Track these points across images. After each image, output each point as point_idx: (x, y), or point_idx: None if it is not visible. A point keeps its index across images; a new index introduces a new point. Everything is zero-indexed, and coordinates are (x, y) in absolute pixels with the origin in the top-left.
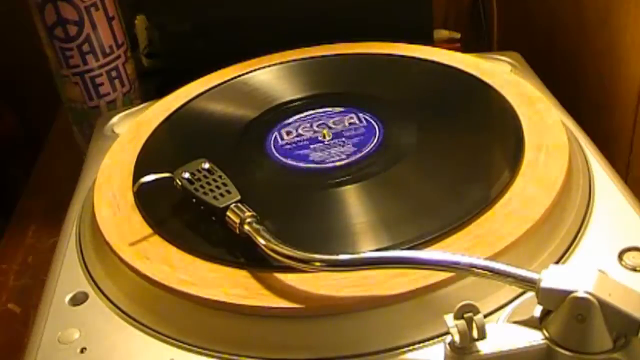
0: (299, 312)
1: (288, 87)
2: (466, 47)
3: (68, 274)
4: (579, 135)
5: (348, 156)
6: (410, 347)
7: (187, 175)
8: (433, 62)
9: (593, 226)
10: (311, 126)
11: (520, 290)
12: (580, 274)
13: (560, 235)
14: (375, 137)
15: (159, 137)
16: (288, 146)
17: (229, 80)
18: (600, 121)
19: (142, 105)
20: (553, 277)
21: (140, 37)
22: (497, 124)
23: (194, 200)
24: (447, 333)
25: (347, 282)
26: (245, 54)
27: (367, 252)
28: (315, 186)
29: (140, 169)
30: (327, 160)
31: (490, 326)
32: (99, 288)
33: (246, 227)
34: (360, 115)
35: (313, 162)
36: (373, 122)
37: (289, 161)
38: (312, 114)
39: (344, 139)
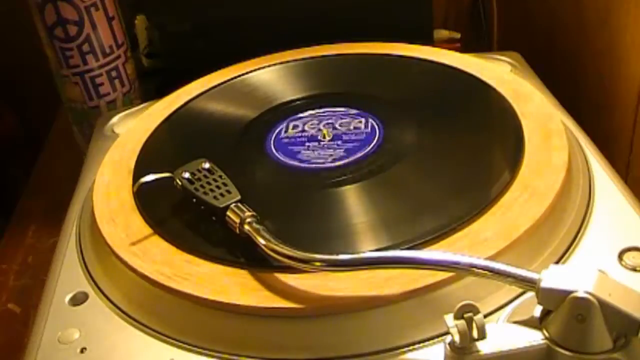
0: (299, 312)
1: (288, 87)
2: (466, 47)
3: (68, 274)
4: (579, 135)
5: (348, 156)
6: (410, 347)
7: (187, 175)
8: (433, 62)
9: (593, 226)
10: (311, 126)
11: (520, 290)
12: (580, 274)
13: (560, 235)
14: (375, 137)
15: (159, 137)
16: (288, 146)
17: (229, 80)
18: (600, 121)
19: (142, 105)
20: (553, 277)
21: (140, 37)
22: (497, 124)
23: (194, 200)
24: (447, 333)
25: (347, 282)
26: (245, 54)
27: (367, 252)
28: (315, 186)
29: (140, 169)
30: (327, 160)
31: (490, 326)
32: (99, 288)
33: (246, 227)
34: (360, 115)
35: (313, 162)
36: (373, 122)
37: (289, 161)
38: (312, 114)
39: (343, 139)
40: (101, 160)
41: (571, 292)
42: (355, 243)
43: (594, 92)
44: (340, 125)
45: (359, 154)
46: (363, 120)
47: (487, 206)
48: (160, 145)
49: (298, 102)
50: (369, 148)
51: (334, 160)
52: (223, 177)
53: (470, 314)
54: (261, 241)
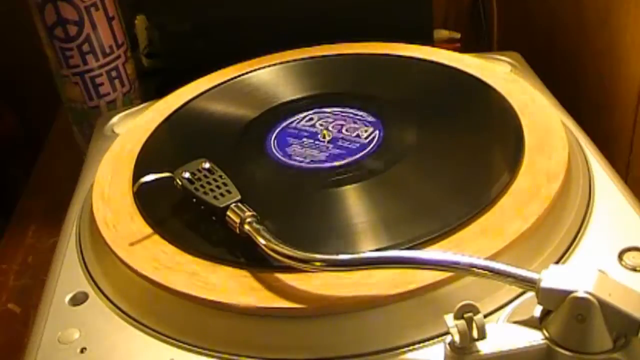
0: (299, 312)
1: (288, 87)
2: (466, 47)
3: (68, 274)
4: (579, 135)
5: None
6: (410, 347)
7: (187, 175)
8: (433, 62)
9: (593, 226)
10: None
11: (520, 290)
12: (580, 274)
13: (560, 235)
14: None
15: (159, 137)
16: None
17: (229, 80)
18: (600, 121)
19: (142, 105)
20: (553, 277)
21: (140, 37)
22: (497, 124)
23: (194, 200)
24: (447, 333)
25: (347, 282)
26: (245, 54)
27: (367, 252)
28: (315, 186)
29: (140, 169)
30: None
31: (490, 326)
32: (99, 288)
33: (246, 226)
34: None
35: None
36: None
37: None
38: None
39: (343, 139)
40: (101, 160)
41: (571, 292)
42: (355, 243)
43: (594, 92)
44: (340, 125)
45: (359, 154)
46: (363, 120)
47: (487, 206)
48: (160, 145)
49: (298, 102)
50: (368, 148)
51: (334, 160)
52: (223, 177)
53: (470, 314)
54: (261, 241)
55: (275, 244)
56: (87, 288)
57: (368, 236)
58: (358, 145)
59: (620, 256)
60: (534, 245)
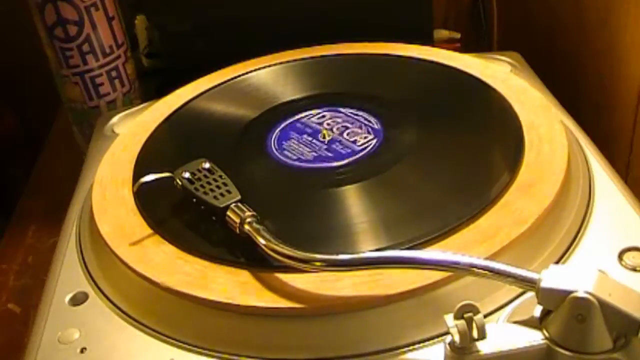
0: (299, 312)
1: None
2: (466, 47)
3: (68, 274)
4: (579, 135)
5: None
6: (410, 347)
7: (187, 175)
8: (433, 62)
9: (593, 226)
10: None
11: (520, 290)
12: (580, 274)
13: (560, 235)
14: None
15: (159, 137)
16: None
17: (229, 80)
18: (600, 121)
19: (142, 105)
20: (553, 277)
21: (140, 37)
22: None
23: (194, 200)
24: (447, 333)
25: (347, 282)
26: (245, 54)
27: (367, 252)
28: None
29: (140, 169)
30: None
31: (490, 326)
32: (99, 288)
33: (246, 226)
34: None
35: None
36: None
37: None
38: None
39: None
40: (101, 160)
41: (571, 292)
42: (355, 243)
43: (594, 92)
44: (340, 125)
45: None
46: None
47: (487, 206)
48: (160, 145)
49: (298, 102)
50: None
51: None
52: (223, 177)
53: (470, 314)
54: (261, 241)
55: (275, 244)
56: (87, 288)
57: (368, 236)
58: (358, 145)
59: (620, 256)
60: (534, 245)
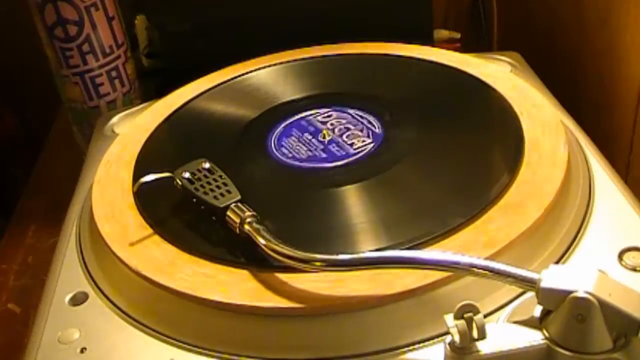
0: (299, 312)
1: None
2: (466, 47)
3: (68, 274)
4: (579, 135)
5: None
6: (410, 347)
7: (187, 175)
8: (433, 62)
9: (593, 226)
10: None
11: (520, 290)
12: (580, 274)
13: (560, 235)
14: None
15: (159, 137)
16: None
17: (229, 80)
18: (600, 121)
19: (142, 105)
20: (553, 277)
21: (140, 37)
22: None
23: (194, 200)
24: (447, 333)
25: (347, 282)
26: (245, 54)
27: (367, 252)
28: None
29: (140, 169)
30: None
31: (490, 326)
32: (99, 288)
33: (246, 226)
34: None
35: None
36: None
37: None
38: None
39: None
40: (101, 160)
41: (571, 292)
42: (355, 243)
43: (594, 92)
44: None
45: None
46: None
47: (487, 206)
48: (160, 145)
49: (298, 102)
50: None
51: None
52: (223, 177)
53: (470, 314)
54: (261, 241)
55: (275, 244)
56: (87, 288)
57: (368, 236)
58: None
59: (620, 256)
60: (534, 245)
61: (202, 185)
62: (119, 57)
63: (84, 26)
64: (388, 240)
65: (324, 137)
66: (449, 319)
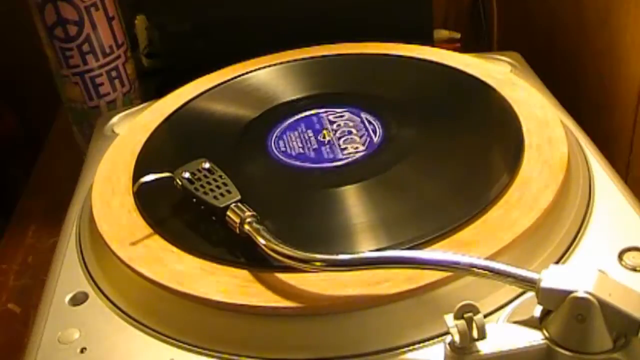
0: (299, 312)
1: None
2: (466, 47)
3: (68, 274)
4: (579, 135)
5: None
6: (410, 347)
7: (187, 175)
8: (433, 62)
9: (593, 226)
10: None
11: (520, 290)
12: (580, 274)
13: (560, 235)
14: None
15: (159, 137)
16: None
17: (229, 80)
18: (600, 121)
19: (142, 105)
20: (553, 277)
21: (140, 37)
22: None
23: (194, 200)
24: (447, 333)
25: (347, 281)
26: (245, 54)
27: (367, 252)
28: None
29: (140, 169)
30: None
31: (490, 326)
32: (99, 288)
33: (246, 226)
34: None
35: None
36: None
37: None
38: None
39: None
40: (101, 160)
41: (571, 292)
42: (355, 243)
43: (594, 92)
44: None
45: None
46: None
47: (487, 206)
48: (160, 145)
49: (298, 102)
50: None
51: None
52: (223, 177)
53: (470, 314)
54: (261, 241)
55: (275, 244)
56: (87, 288)
57: (368, 236)
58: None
59: (620, 256)
60: (534, 245)
61: (202, 185)
62: (119, 57)
63: (84, 26)
64: (388, 240)
65: (324, 137)
66: (449, 319)
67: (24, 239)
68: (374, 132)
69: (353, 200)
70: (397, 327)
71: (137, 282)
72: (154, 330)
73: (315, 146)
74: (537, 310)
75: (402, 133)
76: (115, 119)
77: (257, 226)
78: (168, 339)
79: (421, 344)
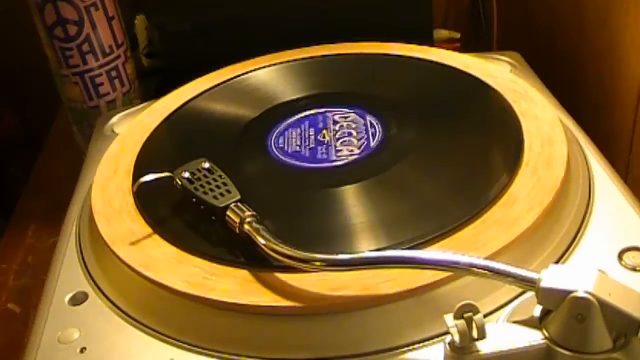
0: (299, 312)
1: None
2: (466, 47)
3: (68, 274)
4: (579, 135)
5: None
6: (410, 347)
7: (187, 175)
8: (433, 62)
9: (593, 226)
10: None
11: (520, 290)
12: (580, 274)
13: (561, 235)
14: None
15: (159, 137)
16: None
17: (229, 80)
18: (600, 121)
19: (142, 105)
20: (553, 277)
21: (140, 37)
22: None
23: (194, 200)
24: (447, 333)
25: (347, 281)
26: (245, 54)
27: (367, 252)
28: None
29: (140, 169)
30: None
31: (490, 326)
32: (99, 288)
33: (246, 226)
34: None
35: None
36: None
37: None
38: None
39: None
40: (101, 160)
41: (571, 292)
42: (355, 243)
43: (594, 92)
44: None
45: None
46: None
47: (487, 206)
48: (160, 145)
49: (298, 102)
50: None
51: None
52: (223, 177)
53: (470, 314)
54: (261, 241)
55: (275, 244)
56: (87, 288)
57: (368, 236)
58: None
59: (620, 256)
60: (534, 245)
61: (202, 185)
62: (119, 57)
63: (84, 26)
64: (388, 240)
65: (324, 137)
66: (449, 319)
67: (24, 239)
68: (374, 135)
69: (353, 200)
70: (397, 327)
71: (137, 282)
72: (154, 330)
73: (313, 146)
74: (537, 310)
75: (402, 133)
76: (115, 119)
77: (257, 226)
78: (168, 339)
79: (421, 344)
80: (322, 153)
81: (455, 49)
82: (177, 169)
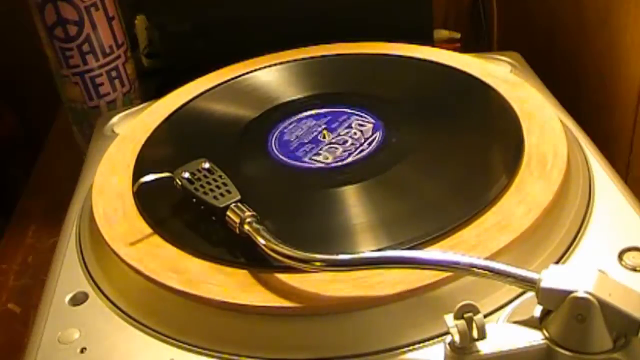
0: (299, 312)
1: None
2: (466, 47)
3: (68, 274)
4: (579, 135)
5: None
6: (410, 347)
7: (187, 175)
8: (433, 62)
9: (593, 226)
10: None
11: (520, 290)
12: (580, 274)
13: (561, 235)
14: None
15: (159, 137)
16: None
17: (229, 80)
18: (600, 121)
19: (142, 105)
20: (553, 277)
21: (140, 37)
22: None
23: (194, 200)
24: (447, 333)
25: (347, 281)
26: (245, 54)
27: (367, 252)
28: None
29: (140, 169)
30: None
31: (490, 326)
32: (99, 288)
33: (246, 227)
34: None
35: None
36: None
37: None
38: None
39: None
40: (101, 160)
41: (571, 292)
42: (355, 243)
43: (594, 92)
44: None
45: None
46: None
47: (487, 206)
48: (160, 145)
49: (298, 102)
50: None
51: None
52: (223, 177)
53: (470, 314)
54: (261, 241)
55: (275, 244)
56: (87, 288)
57: (368, 236)
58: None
59: (620, 256)
60: (534, 245)
61: (202, 185)
62: (119, 57)
63: (84, 26)
64: (388, 240)
65: (324, 137)
66: (449, 319)
67: (24, 239)
68: (374, 135)
69: (353, 201)
70: (397, 327)
71: (137, 282)
72: (154, 330)
73: (313, 146)
74: (537, 310)
75: (402, 133)
76: (115, 119)
77: (257, 226)
78: (168, 339)
79: (421, 344)
80: (322, 153)
81: (455, 49)
82: (177, 169)
